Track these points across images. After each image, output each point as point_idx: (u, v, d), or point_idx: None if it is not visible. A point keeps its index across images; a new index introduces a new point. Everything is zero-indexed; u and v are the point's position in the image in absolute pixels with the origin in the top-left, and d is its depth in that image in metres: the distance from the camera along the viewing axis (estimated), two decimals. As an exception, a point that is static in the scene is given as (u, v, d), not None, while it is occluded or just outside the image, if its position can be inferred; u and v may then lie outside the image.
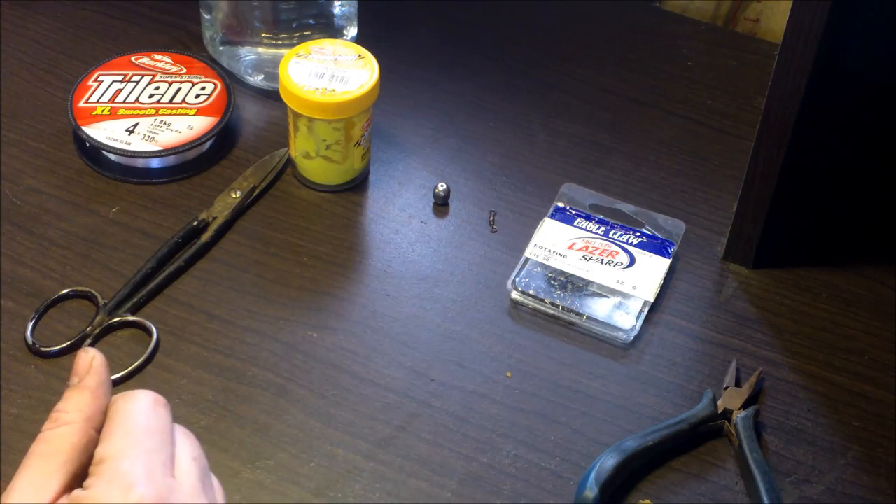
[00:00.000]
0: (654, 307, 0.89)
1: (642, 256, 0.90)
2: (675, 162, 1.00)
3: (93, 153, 0.96)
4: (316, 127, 0.91)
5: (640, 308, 0.88)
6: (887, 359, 0.87)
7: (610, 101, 1.04)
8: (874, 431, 0.83)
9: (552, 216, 0.93)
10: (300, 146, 0.94)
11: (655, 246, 0.91)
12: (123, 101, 0.97)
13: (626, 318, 0.87)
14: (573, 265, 0.90)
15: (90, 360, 0.61)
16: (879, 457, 0.82)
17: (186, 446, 0.61)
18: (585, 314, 0.87)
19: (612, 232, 0.92)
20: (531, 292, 0.88)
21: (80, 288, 0.87)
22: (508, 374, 0.85)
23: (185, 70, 1.00)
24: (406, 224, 0.94)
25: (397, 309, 0.88)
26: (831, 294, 0.91)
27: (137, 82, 0.98)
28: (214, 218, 0.92)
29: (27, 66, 1.03)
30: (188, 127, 0.95)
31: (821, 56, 0.80)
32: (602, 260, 0.90)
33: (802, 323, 0.89)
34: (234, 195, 0.93)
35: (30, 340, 0.83)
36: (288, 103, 0.91)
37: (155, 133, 0.95)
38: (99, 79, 0.98)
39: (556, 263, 0.90)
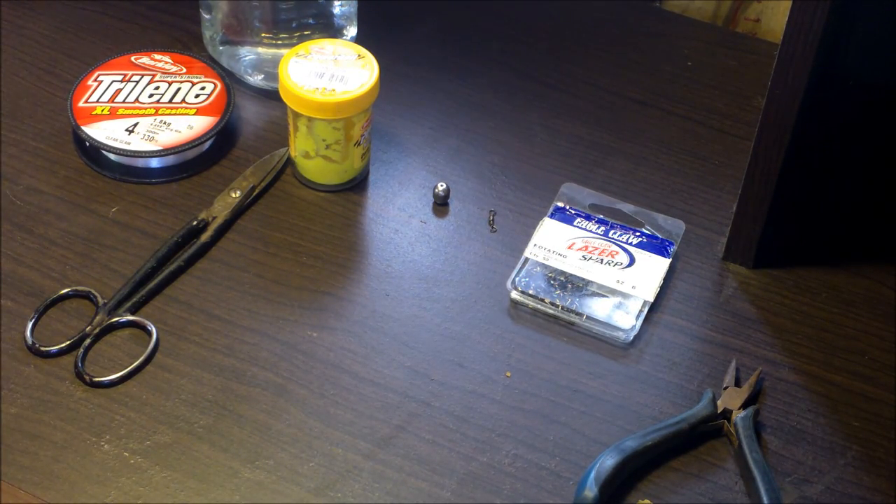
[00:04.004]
0: (654, 307, 0.89)
1: (642, 256, 0.90)
2: (675, 162, 1.00)
3: (93, 153, 0.96)
4: (316, 127, 0.91)
5: (639, 308, 0.88)
6: (887, 359, 0.87)
7: (610, 101, 1.04)
8: (874, 431, 0.83)
9: (552, 216, 0.93)
10: (300, 146, 0.94)
11: (655, 246, 0.91)
12: (123, 101, 0.97)
13: (625, 318, 0.87)
14: (573, 265, 0.90)
15: None
16: (879, 457, 0.81)
17: None
18: (585, 314, 0.87)
19: (612, 232, 0.92)
20: (531, 292, 0.88)
21: (79, 288, 0.87)
22: (508, 374, 0.84)
23: (184, 70, 1.00)
24: (406, 224, 0.94)
25: (397, 309, 0.88)
26: (831, 294, 0.91)
27: (137, 82, 0.98)
28: (214, 218, 0.92)
29: (27, 66, 1.03)
30: (188, 127, 0.95)
31: (821, 56, 0.80)
32: (602, 260, 0.90)
33: (802, 323, 0.89)
34: (233, 195, 0.93)
35: (29, 340, 0.83)
36: (288, 103, 0.91)
37: (155, 133, 0.95)
38: (99, 78, 0.98)
39: (555, 263, 0.90)
